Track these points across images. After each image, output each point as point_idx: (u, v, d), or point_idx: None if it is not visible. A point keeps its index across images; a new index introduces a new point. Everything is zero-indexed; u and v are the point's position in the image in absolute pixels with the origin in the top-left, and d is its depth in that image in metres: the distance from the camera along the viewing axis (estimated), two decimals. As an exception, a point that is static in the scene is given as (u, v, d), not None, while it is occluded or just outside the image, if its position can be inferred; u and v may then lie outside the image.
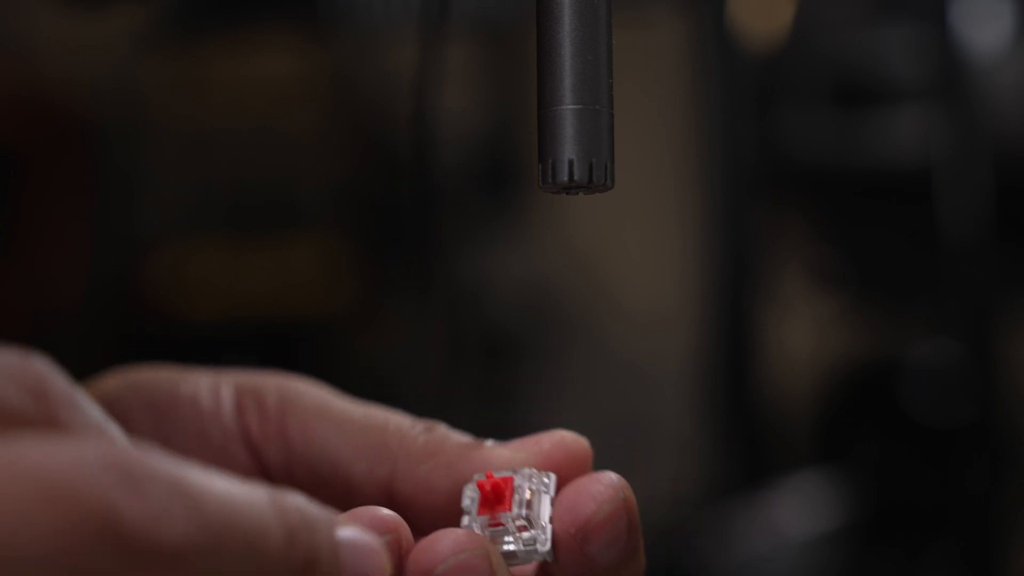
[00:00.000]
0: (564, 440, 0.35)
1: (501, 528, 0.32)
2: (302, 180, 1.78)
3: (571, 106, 0.32)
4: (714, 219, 1.31)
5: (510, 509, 0.32)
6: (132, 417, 0.37)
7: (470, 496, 0.34)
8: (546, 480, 0.34)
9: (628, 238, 1.71)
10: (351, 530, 0.28)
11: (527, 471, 0.34)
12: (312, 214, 1.78)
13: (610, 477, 0.35)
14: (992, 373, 1.11)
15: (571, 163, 0.32)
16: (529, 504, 0.33)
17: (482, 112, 1.69)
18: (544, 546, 0.33)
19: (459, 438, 0.35)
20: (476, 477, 0.34)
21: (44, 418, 0.25)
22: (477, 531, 0.32)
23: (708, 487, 1.27)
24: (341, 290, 1.73)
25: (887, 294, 1.28)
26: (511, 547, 0.32)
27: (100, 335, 1.76)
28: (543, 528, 0.33)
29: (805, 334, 1.34)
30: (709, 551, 1.10)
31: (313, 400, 0.38)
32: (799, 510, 1.13)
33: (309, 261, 1.73)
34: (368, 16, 1.42)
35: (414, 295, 1.53)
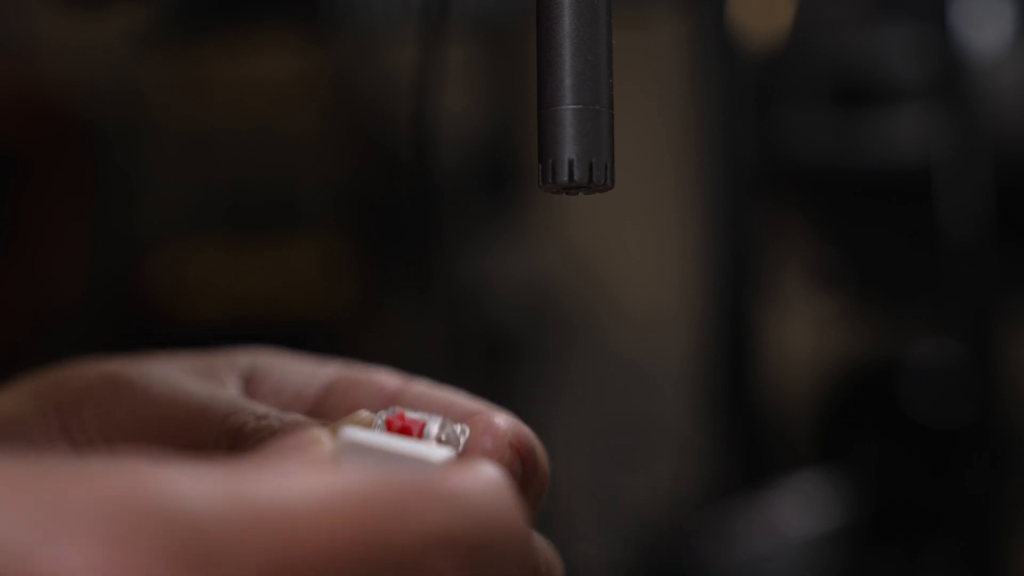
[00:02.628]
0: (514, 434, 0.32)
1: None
2: (302, 180, 1.78)
3: (571, 106, 0.32)
4: (714, 219, 1.31)
5: None
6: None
7: (378, 425, 0.31)
8: (459, 432, 0.32)
9: (628, 238, 1.71)
10: None
11: (442, 420, 0.32)
12: (312, 214, 1.78)
13: (498, 426, 0.32)
14: (992, 373, 1.11)
15: (571, 163, 0.32)
16: None
17: (482, 112, 1.69)
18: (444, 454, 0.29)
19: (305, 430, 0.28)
20: (388, 413, 0.32)
21: None
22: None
23: (708, 487, 1.27)
24: (341, 290, 1.73)
25: (887, 294, 1.28)
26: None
27: (100, 335, 1.76)
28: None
29: (805, 334, 1.34)
30: (709, 551, 1.10)
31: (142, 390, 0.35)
32: (799, 510, 1.13)
33: (309, 261, 1.73)
34: (368, 16, 1.42)
35: (414, 295, 1.53)
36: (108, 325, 1.77)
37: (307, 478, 0.21)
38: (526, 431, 0.31)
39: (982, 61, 1.11)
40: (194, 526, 0.19)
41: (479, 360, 1.66)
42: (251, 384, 0.36)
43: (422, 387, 0.36)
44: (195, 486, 0.19)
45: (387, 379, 0.37)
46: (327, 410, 0.36)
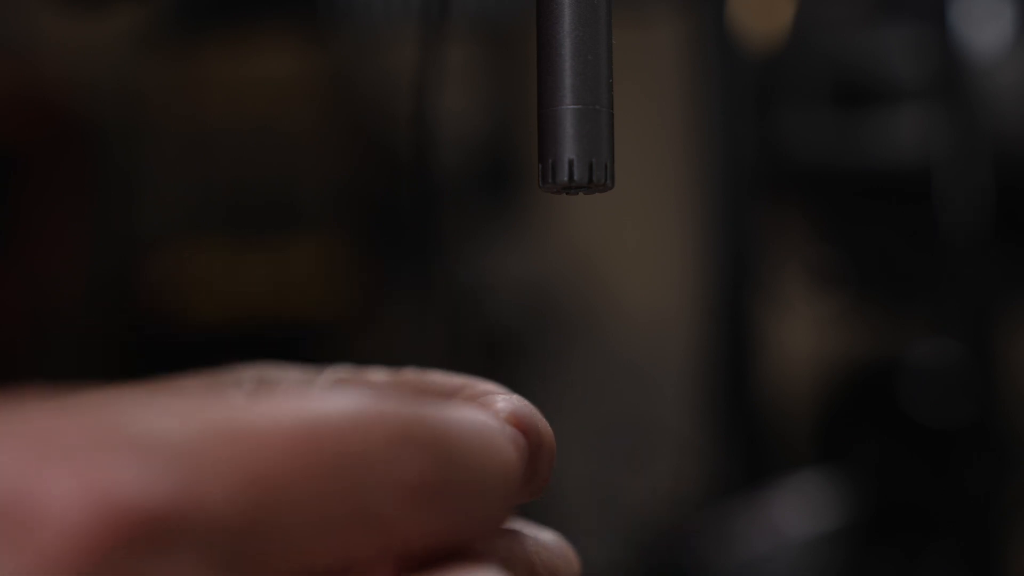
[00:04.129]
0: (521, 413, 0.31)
1: None
2: (302, 180, 1.78)
3: (571, 106, 0.32)
4: (714, 219, 1.31)
5: None
6: None
7: None
8: None
9: (628, 238, 1.71)
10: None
11: None
12: (312, 214, 1.78)
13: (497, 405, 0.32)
14: (992, 373, 1.11)
15: (571, 163, 0.32)
16: None
17: (482, 112, 1.69)
18: None
19: None
20: None
21: None
22: None
23: (708, 487, 1.27)
24: (341, 290, 1.73)
25: (887, 294, 1.28)
26: None
27: (100, 335, 1.76)
28: None
29: (805, 334, 1.34)
30: (709, 551, 1.10)
31: None
32: (799, 510, 1.13)
33: (309, 261, 1.73)
34: (368, 16, 1.42)
35: (414, 295, 1.53)
36: (108, 325, 1.77)
37: (276, 402, 0.22)
38: (523, 405, 0.31)
39: (982, 61, 1.11)
40: (170, 445, 0.20)
41: (479, 360, 1.66)
42: None
43: (410, 374, 0.37)
44: (170, 415, 0.20)
45: (375, 376, 0.37)
46: None
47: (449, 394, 0.34)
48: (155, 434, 0.20)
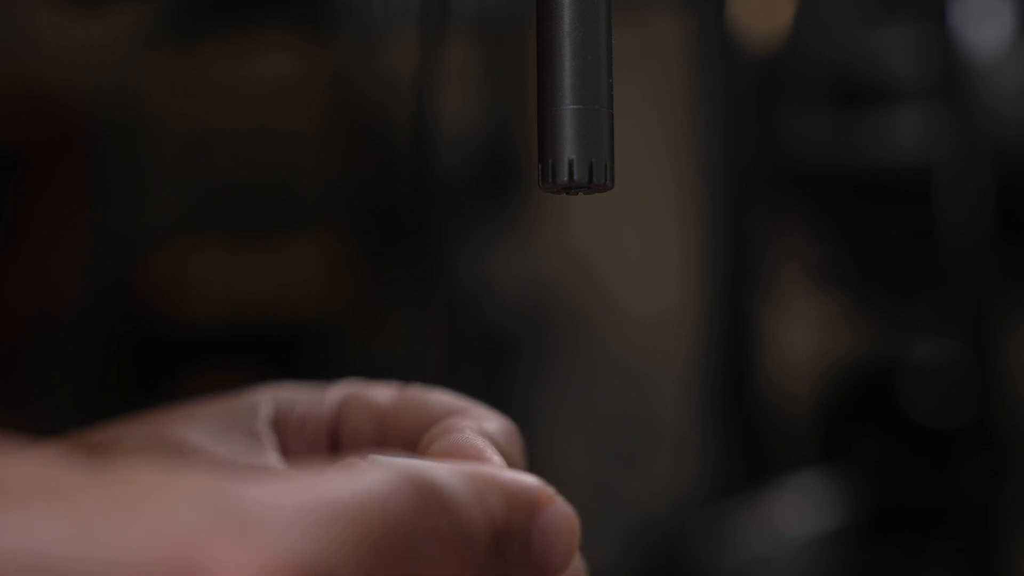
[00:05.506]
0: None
1: None
2: (302, 180, 1.78)
3: (571, 106, 0.32)
4: (714, 219, 1.31)
5: None
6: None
7: None
8: None
9: (628, 238, 1.71)
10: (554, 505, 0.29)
11: None
12: (312, 214, 1.78)
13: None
14: (992, 373, 1.11)
15: (571, 163, 0.32)
16: None
17: (482, 112, 1.69)
18: None
19: None
20: None
21: None
22: None
23: (708, 487, 1.27)
24: (341, 290, 1.73)
25: (887, 294, 1.28)
26: None
27: (100, 335, 1.76)
28: None
29: (805, 334, 1.34)
30: (709, 551, 1.10)
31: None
32: (799, 510, 1.13)
33: (309, 261, 1.74)
34: (368, 16, 1.42)
35: (414, 295, 1.53)
36: (108, 325, 1.77)
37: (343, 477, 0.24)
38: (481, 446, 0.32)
39: (982, 61, 1.11)
40: (295, 517, 0.22)
41: (479, 360, 1.66)
42: (277, 427, 0.37)
43: (415, 392, 0.37)
44: (276, 491, 0.23)
45: (381, 393, 0.37)
46: (339, 437, 0.37)
47: (448, 416, 0.35)
48: (281, 508, 0.22)
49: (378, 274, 1.73)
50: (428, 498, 0.25)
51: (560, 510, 0.29)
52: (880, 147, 1.19)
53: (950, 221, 1.10)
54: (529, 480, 0.29)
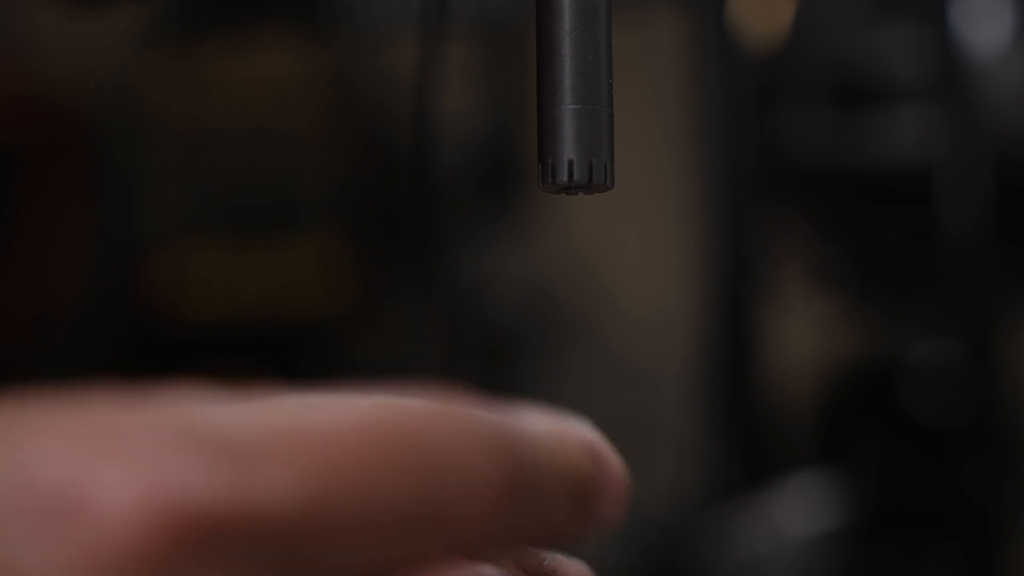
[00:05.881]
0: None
1: None
2: (302, 180, 1.78)
3: (571, 106, 0.32)
4: (714, 219, 1.31)
5: None
6: None
7: None
8: None
9: (628, 238, 1.71)
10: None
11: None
12: (312, 214, 1.78)
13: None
14: (992, 373, 1.11)
15: (571, 163, 0.32)
16: None
17: (482, 112, 1.69)
18: None
19: None
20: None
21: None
22: None
23: (708, 487, 1.27)
24: (341, 290, 1.73)
25: (887, 294, 1.28)
26: None
27: (100, 335, 1.76)
28: None
29: (805, 334, 1.34)
30: (709, 551, 1.10)
31: None
32: (799, 510, 1.13)
33: (309, 261, 1.73)
34: (368, 16, 1.42)
35: (414, 295, 1.53)
36: (108, 325, 1.77)
37: (349, 400, 0.22)
38: (596, 437, 0.29)
39: (982, 61, 1.11)
40: (232, 438, 0.19)
41: (479, 360, 1.66)
42: None
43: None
44: (234, 412, 0.20)
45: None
46: None
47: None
48: (223, 433, 0.19)
49: (378, 274, 1.73)
50: (475, 439, 0.22)
51: (622, 479, 0.27)
52: (880, 147, 1.19)
53: (950, 221, 1.10)
54: (601, 444, 0.27)
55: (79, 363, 1.73)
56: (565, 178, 0.32)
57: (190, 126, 1.76)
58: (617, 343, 1.71)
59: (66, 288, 1.72)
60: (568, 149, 0.32)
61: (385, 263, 1.72)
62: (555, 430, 0.25)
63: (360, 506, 0.20)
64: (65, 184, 1.69)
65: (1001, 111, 1.13)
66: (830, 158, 1.23)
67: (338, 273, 1.73)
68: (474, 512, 0.21)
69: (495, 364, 1.68)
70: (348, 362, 1.68)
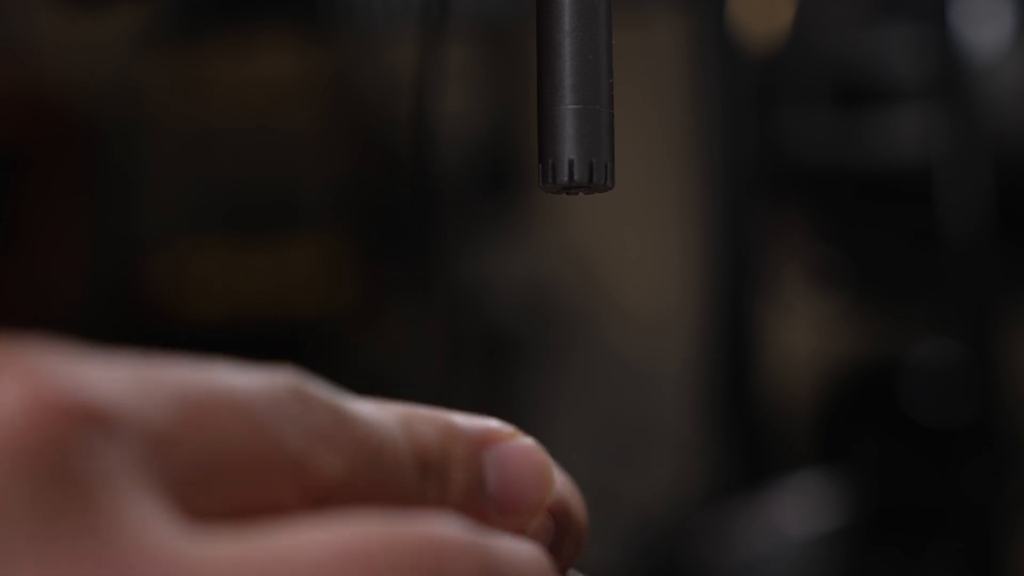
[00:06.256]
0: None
1: None
2: (302, 180, 1.78)
3: (571, 106, 0.32)
4: (714, 219, 1.31)
5: None
6: None
7: None
8: None
9: (628, 238, 1.71)
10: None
11: None
12: (312, 214, 1.78)
13: None
14: (992, 373, 1.11)
15: (571, 163, 0.32)
16: None
17: (482, 112, 1.69)
18: None
19: None
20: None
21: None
22: None
23: (708, 487, 1.27)
24: (341, 290, 1.73)
25: (887, 294, 1.28)
26: None
27: (100, 335, 1.76)
28: None
29: (805, 334, 1.34)
30: (709, 551, 1.10)
31: None
32: (799, 510, 1.13)
33: (309, 261, 1.73)
34: (368, 16, 1.42)
35: (414, 295, 1.53)
36: (108, 325, 1.77)
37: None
38: (559, 488, 0.30)
39: (982, 61, 1.11)
40: (113, 370, 0.22)
41: (479, 360, 1.66)
42: None
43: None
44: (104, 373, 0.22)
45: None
46: None
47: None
48: (104, 364, 0.22)
49: (378, 274, 1.73)
50: (304, 398, 0.24)
51: (520, 444, 0.28)
52: (880, 147, 1.19)
53: (950, 221, 1.10)
54: (485, 420, 0.28)
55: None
56: (565, 178, 0.32)
57: (190, 126, 1.76)
58: (617, 343, 1.71)
59: (66, 288, 1.72)
60: (568, 149, 0.32)
61: (385, 263, 1.72)
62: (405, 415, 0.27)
63: (216, 432, 0.22)
64: (65, 184, 1.69)
65: (1001, 111, 1.13)
66: (830, 158, 1.23)
67: (338, 273, 1.73)
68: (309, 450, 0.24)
69: (495, 364, 1.68)
70: (348, 362, 1.68)
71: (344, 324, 1.73)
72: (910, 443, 1.16)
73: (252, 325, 1.73)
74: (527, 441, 0.28)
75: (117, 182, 1.77)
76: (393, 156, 1.68)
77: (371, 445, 0.25)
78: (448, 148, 1.52)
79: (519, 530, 0.28)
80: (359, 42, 1.60)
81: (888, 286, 1.28)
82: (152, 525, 0.21)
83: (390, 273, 1.71)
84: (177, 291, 1.74)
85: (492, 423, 0.28)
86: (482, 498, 0.27)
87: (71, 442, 0.20)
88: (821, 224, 1.31)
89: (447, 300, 1.03)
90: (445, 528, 0.24)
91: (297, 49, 1.68)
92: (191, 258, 1.75)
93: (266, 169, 1.77)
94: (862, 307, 1.28)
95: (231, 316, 1.73)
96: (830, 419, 1.25)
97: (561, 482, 0.30)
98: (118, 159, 1.78)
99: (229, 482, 0.22)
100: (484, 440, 0.28)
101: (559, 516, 0.29)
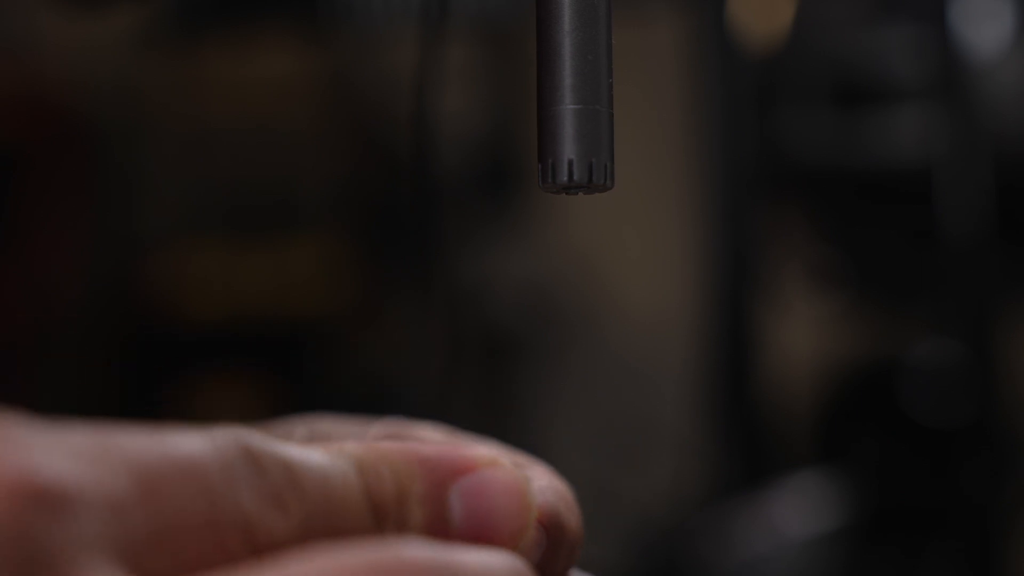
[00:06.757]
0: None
1: None
2: (302, 180, 1.78)
3: (571, 106, 0.32)
4: (714, 219, 1.31)
5: None
6: None
7: None
8: None
9: (628, 238, 1.71)
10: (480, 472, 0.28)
11: None
12: (312, 214, 1.78)
13: None
14: (992, 373, 1.11)
15: (571, 163, 0.32)
16: None
17: (482, 112, 1.69)
18: None
19: None
20: None
21: None
22: None
23: (708, 487, 1.27)
24: (341, 290, 1.73)
25: (887, 294, 1.28)
26: None
27: (100, 335, 1.76)
28: None
29: (805, 334, 1.34)
30: (709, 551, 1.10)
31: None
32: (799, 510, 1.13)
33: (309, 261, 1.73)
34: (368, 16, 1.42)
35: (414, 295, 1.53)
36: (108, 325, 1.77)
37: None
38: (550, 499, 0.30)
39: (982, 61, 1.11)
40: (71, 446, 0.23)
41: (479, 360, 1.66)
42: None
43: (464, 440, 0.36)
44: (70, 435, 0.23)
45: (426, 434, 0.36)
46: None
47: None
48: (58, 438, 0.23)
49: (378, 274, 1.73)
50: (251, 458, 0.24)
51: (491, 473, 0.27)
52: (880, 147, 1.19)
53: (950, 221, 1.10)
54: (459, 450, 0.28)
55: (79, 363, 1.73)
56: (565, 178, 0.32)
57: (190, 126, 1.76)
58: (617, 343, 1.71)
59: (66, 288, 1.72)
60: (568, 149, 0.32)
61: (385, 263, 1.72)
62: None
63: (169, 502, 0.23)
64: (65, 184, 1.69)
65: (1001, 111, 1.13)
66: (830, 158, 1.23)
67: (338, 273, 1.73)
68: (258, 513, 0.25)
69: (495, 364, 1.68)
70: (348, 362, 1.68)
71: (344, 324, 1.73)
72: (910, 443, 1.16)
73: (252, 325, 1.73)
74: (502, 470, 0.28)
75: (117, 182, 1.77)
76: (393, 156, 1.68)
77: (322, 496, 0.25)
78: (448, 148, 1.52)
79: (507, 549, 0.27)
80: (359, 42, 1.60)
81: (888, 286, 1.28)
82: None
83: (390, 273, 1.71)
84: (177, 291, 1.74)
85: (466, 452, 0.28)
86: (449, 531, 0.27)
87: (33, 524, 0.21)
88: (821, 224, 1.31)
89: (447, 300, 1.03)
90: (403, 549, 0.24)
91: (297, 49, 1.68)
92: (191, 258, 1.75)
93: (266, 169, 1.77)
94: (862, 307, 1.28)
95: (231, 316, 1.73)
96: (830, 419, 1.25)
97: (554, 490, 0.30)
98: (118, 159, 1.78)
99: (181, 544, 0.23)
100: (451, 472, 0.27)
101: (551, 528, 0.29)
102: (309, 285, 1.73)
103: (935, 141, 1.13)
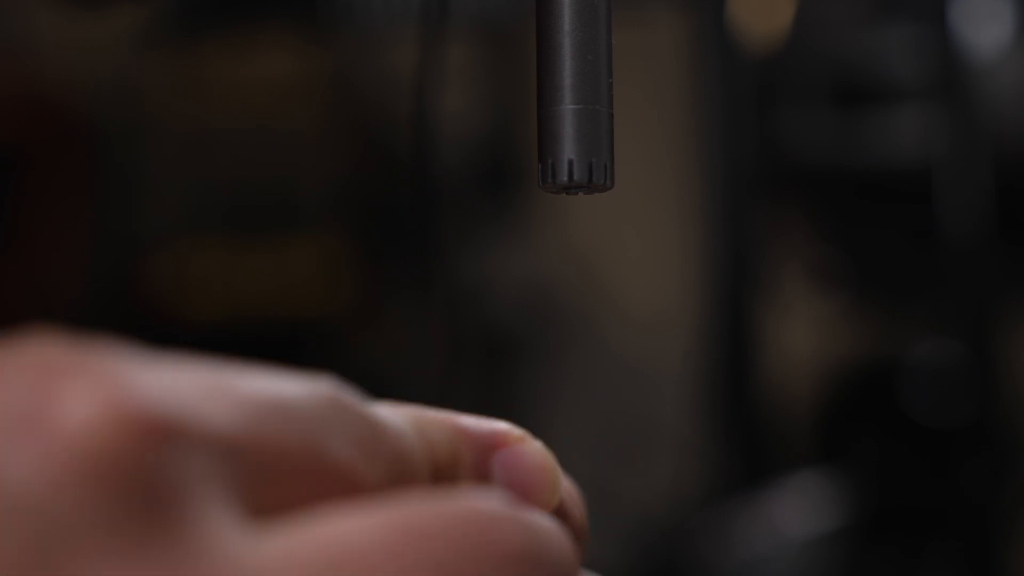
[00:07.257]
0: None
1: None
2: (302, 180, 1.78)
3: (571, 106, 0.32)
4: (714, 219, 1.31)
5: None
6: None
7: None
8: None
9: (628, 238, 1.71)
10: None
11: None
12: (312, 214, 1.78)
13: None
14: (992, 373, 1.11)
15: (571, 163, 0.32)
16: None
17: (482, 112, 1.69)
18: None
19: None
20: None
21: None
22: None
23: (708, 487, 1.27)
24: (341, 290, 1.73)
25: (887, 294, 1.28)
26: None
27: (100, 335, 1.76)
28: None
29: (805, 334, 1.34)
30: (709, 551, 1.10)
31: None
32: (799, 510, 1.13)
33: (309, 261, 1.73)
34: (368, 16, 1.42)
35: (414, 295, 1.53)
36: (108, 325, 1.77)
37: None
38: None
39: (982, 61, 1.11)
40: (179, 379, 0.23)
41: (479, 360, 1.66)
42: None
43: None
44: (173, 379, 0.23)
45: None
46: None
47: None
48: (173, 374, 0.23)
49: (378, 274, 1.73)
50: (344, 407, 0.25)
51: (528, 447, 0.29)
52: (880, 147, 1.19)
53: (950, 221, 1.10)
54: (494, 423, 0.29)
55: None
56: (565, 178, 0.32)
57: (190, 126, 1.76)
58: (617, 343, 1.71)
59: (66, 288, 1.72)
60: (568, 149, 0.32)
61: (385, 263, 1.72)
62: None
63: (281, 436, 0.23)
64: (65, 184, 1.69)
65: (1001, 111, 1.13)
66: (830, 158, 1.23)
67: (338, 273, 1.73)
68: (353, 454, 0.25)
69: (495, 364, 1.68)
70: (348, 362, 1.68)
71: (344, 324, 1.73)
72: (910, 443, 1.16)
73: (252, 325, 1.73)
74: (535, 445, 0.29)
75: (117, 182, 1.77)
76: (393, 156, 1.68)
77: (398, 452, 0.26)
78: (448, 148, 1.52)
79: None
80: (359, 42, 1.60)
81: (888, 286, 1.28)
82: (226, 532, 0.21)
83: (390, 273, 1.71)
84: (177, 291, 1.74)
85: (501, 426, 0.29)
86: None
87: (152, 456, 0.21)
88: (821, 224, 1.31)
89: (447, 300, 1.03)
90: (490, 502, 0.24)
91: (297, 49, 1.68)
92: (191, 258, 1.75)
93: (266, 169, 1.77)
94: (862, 307, 1.28)
95: (231, 316, 1.73)
96: (830, 419, 1.25)
97: (561, 484, 0.31)
98: (118, 159, 1.78)
99: (287, 485, 0.23)
100: (492, 443, 0.28)
101: (558, 518, 0.30)
102: (309, 285, 1.73)
103: (935, 141, 1.13)
